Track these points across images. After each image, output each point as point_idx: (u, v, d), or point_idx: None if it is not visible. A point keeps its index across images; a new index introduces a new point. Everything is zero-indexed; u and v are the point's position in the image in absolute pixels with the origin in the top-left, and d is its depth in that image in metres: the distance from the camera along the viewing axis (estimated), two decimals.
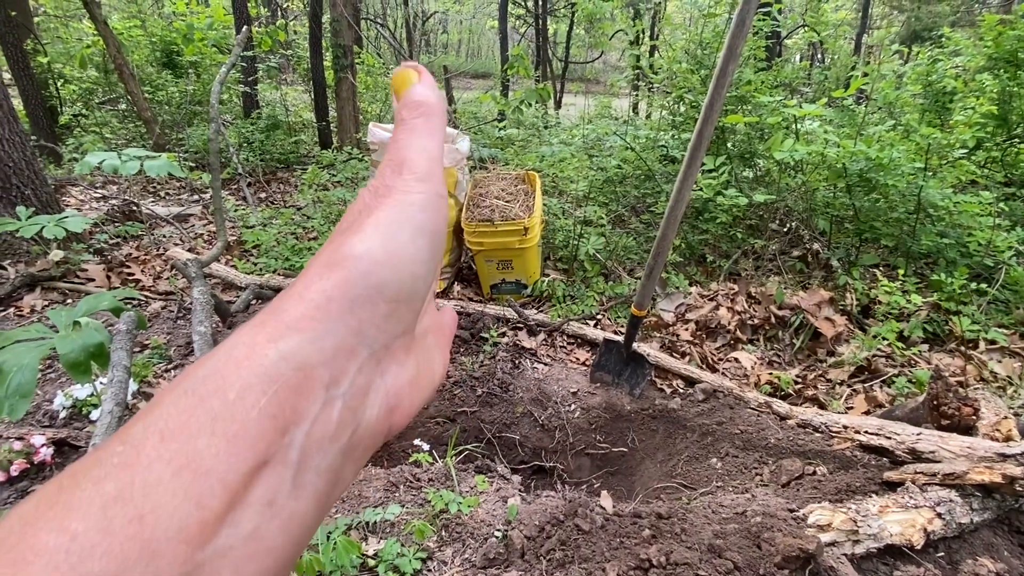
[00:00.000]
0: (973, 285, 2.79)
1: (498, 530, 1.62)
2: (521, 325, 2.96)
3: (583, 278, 3.37)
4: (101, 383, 2.16)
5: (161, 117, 6.15)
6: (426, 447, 2.11)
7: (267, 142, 6.12)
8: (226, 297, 3.23)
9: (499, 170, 4.28)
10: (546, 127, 6.89)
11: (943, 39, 4.69)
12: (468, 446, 2.22)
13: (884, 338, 2.61)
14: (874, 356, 2.59)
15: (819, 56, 13.25)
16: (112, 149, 3.77)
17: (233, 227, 4.19)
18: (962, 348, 2.61)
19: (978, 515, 1.63)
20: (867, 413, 2.31)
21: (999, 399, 2.18)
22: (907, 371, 2.51)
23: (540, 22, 10.72)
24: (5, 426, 2.08)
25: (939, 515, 1.59)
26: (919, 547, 1.54)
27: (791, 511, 1.62)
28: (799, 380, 2.59)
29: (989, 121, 3.84)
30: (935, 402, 1.95)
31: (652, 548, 1.47)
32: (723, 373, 2.66)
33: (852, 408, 2.38)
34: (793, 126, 3.64)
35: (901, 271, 2.93)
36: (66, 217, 2.50)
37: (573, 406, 2.51)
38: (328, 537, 1.47)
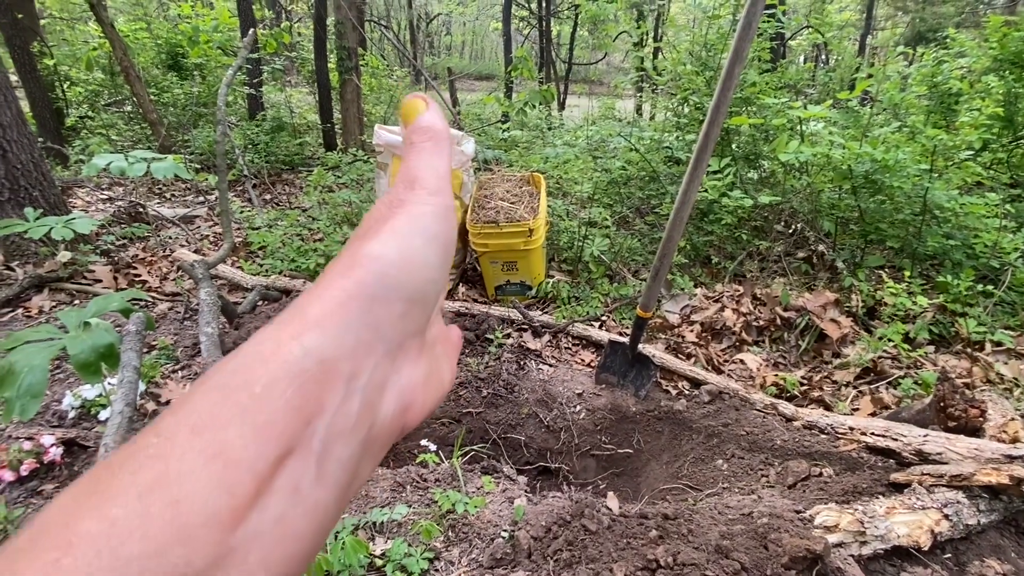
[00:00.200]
0: (979, 287, 2.78)
1: (505, 530, 1.63)
2: (526, 326, 2.96)
3: (588, 279, 3.38)
4: (110, 383, 2.18)
5: (167, 119, 6.18)
6: (433, 448, 2.12)
7: (272, 144, 6.14)
8: (232, 298, 3.24)
9: (504, 172, 4.29)
10: (550, 129, 6.89)
11: (948, 40, 4.68)
12: (474, 447, 2.23)
13: (890, 340, 2.60)
14: (880, 358, 2.59)
15: (823, 57, 13.23)
16: (118, 151, 3.80)
17: (239, 229, 4.21)
18: (968, 350, 2.60)
19: (985, 517, 1.63)
20: (873, 415, 2.30)
21: (1006, 401, 2.17)
22: (913, 373, 2.51)
23: (544, 24, 10.73)
24: (15, 426, 2.09)
25: (946, 516, 1.59)
26: (926, 548, 1.54)
27: (798, 512, 1.62)
28: (805, 382, 2.58)
29: (995, 122, 3.83)
30: (942, 404, 1.94)
31: (659, 549, 1.47)
32: (728, 374, 2.66)
33: (858, 410, 2.38)
34: (798, 127, 3.64)
35: (907, 272, 2.92)
36: (73, 219, 2.51)
37: (578, 407, 2.51)
38: (336, 537, 1.48)
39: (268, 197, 5.32)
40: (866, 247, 3.38)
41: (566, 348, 2.90)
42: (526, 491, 1.91)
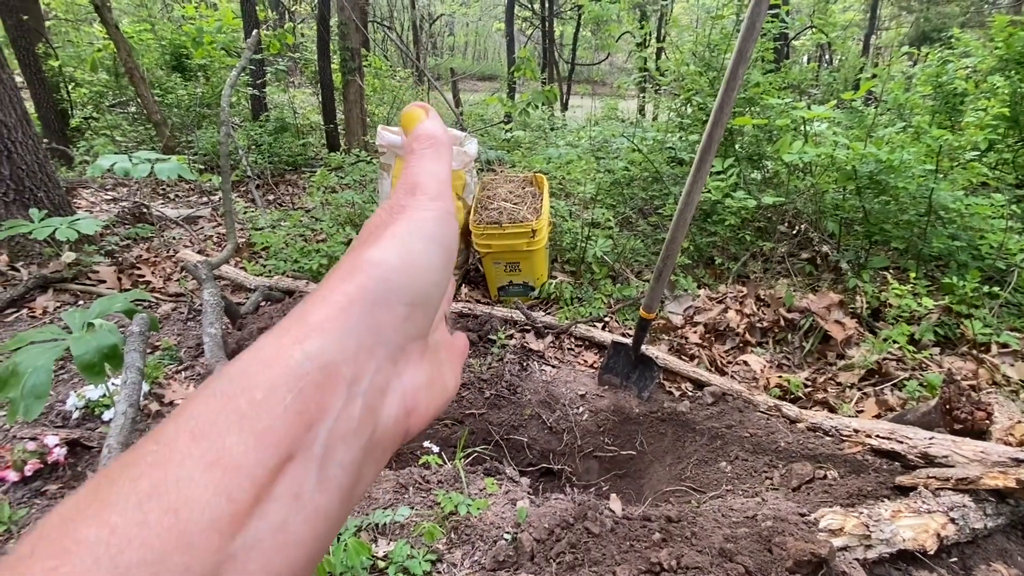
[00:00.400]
0: (985, 288, 2.76)
1: (507, 532, 1.62)
2: (529, 327, 2.96)
3: (591, 280, 3.37)
4: (113, 384, 2.18)
5: (171, 120, 6.20)
6: (435, 449, 2.12)
7: (275, 144, 6.16)
8: (236, 299, 3.25)
9: (506, 172, 4.29)
10: (553, 129, 6.89)
11: (953, 40, 4.66)
12: (477, 448, 2.22)
13: (895, 341, 2.59)
14: (885, 359, 2.57)
15: (827, 58, 13.19)
16: (123, 152, 3.81)
17: (242, 229, 4.22)
18: (974, 352, 2.59)
19: (992, 520, 1.62)
20: (878, 417, 2.29)
21: (1012, 403, 2.16)
22: (918, 375, 2.49)
23: (546, 24, 10.73)
24: (19, 426, 2.10)
25: (952, 520, 1.58)
26: (932, 552, 1.53)
27: (802, 515, 1.61)
28: (809, 383, 2.57)
29: (1001, 123, 3.81)
30: (948, 406, 1.93)
31: (662, 552, 1.46)
32: (732, 376, 2.65)
33: (862, 412, 2.37)
34: (802, 128, 3.63)
35: (912, 274, 2.91)
36: (78, 219, 2.52)
37: (581, 408, 2.50)
38: (339, 538, 1.47)
39: (271, 198, 5.33)
40: (870, 248, 3.36)
41: (569, 349, 2.90)
42: (529, 493, 1.91)
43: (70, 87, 6.45)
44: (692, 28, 5.35)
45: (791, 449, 2.08)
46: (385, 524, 1.63)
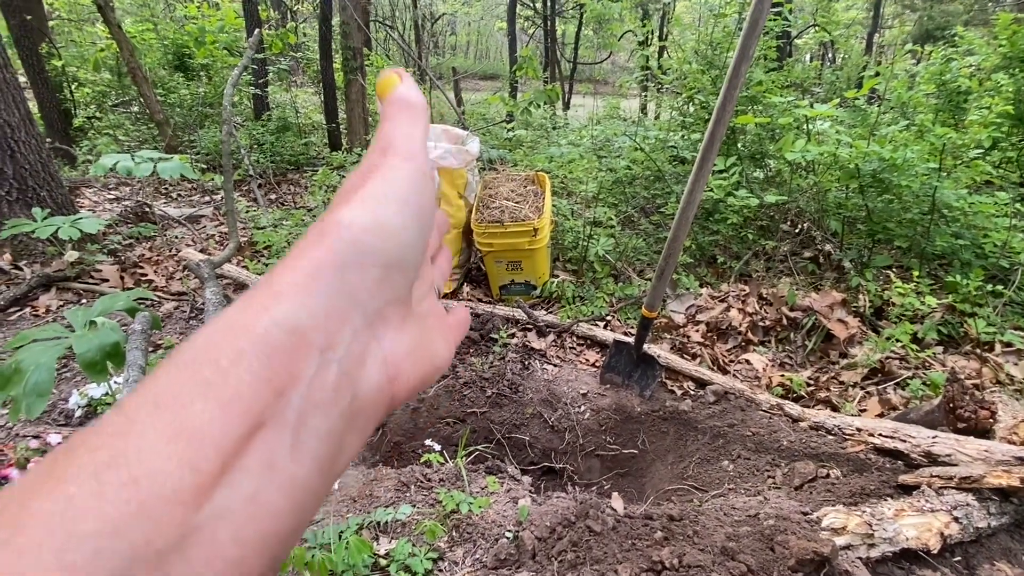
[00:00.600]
0: (989, 287, 2.75)
1: (509, 531, 1.62)
2: (531, 326, 2.96)
3: (592, 279, 3.37)
4: (116, 382, 2.19)
5: (173, 119, 6.21)
6: (437, 447, 2.12)
7: (277, 144, 6.16)
8: (238, 297, 3.25)
9: (508, 171, 4.28)
10: (555, 128, 6.88)
11: (956, 38, 4.64)
12: (478, 447, 2.22)
13: (898, 340, 2.58)
14: (887, 358, 2.57)
15: (830, 56, 13.16)
16: (125, 151, 3.81)
17: (244, 228, 4.23)
18: (978, 350, 2.58)
19: (996, 519, 1.61)
20: (881, 416, 2.28)
21: (1016, 402, 2.15)
22: (921, 373, 2.48)
23: (548, 23, 10.72)
24: (22, 424, 2.11)
25: (956, 519, 1.57)
26: (936, 551, 1.52)
27: (805, 514, 1.60)
28: (811, 382, 2.56)
29: (1005, 121, 3.79)
30: (951, 405, 1.92)
31: (664, 550, 1.46)
32: (734, 375, 2.64)
33: (865, 411, 2.36)
34: (804, 126, 3.61)
35: (915, 272, 2.90)
36: (81, 218, 2.53)
37: (583, 407, 2.50)
38: (340, 536, 1.48)
39: (273, 197, 5.34)
40: (873, 247, 3.35)
41: (571, 348, 2.90)
42: (530, 491, 1.91)
43: (73, 87, 6.46)
44: (694, 26, 5.34)
45: (793, 448, 2.08)
46: (387, 522, 1.63)
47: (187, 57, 7.07)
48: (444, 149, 3.09)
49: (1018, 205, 3.16)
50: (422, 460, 1.97)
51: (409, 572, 1.48)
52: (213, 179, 4.95)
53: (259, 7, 6.68)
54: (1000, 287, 2.77)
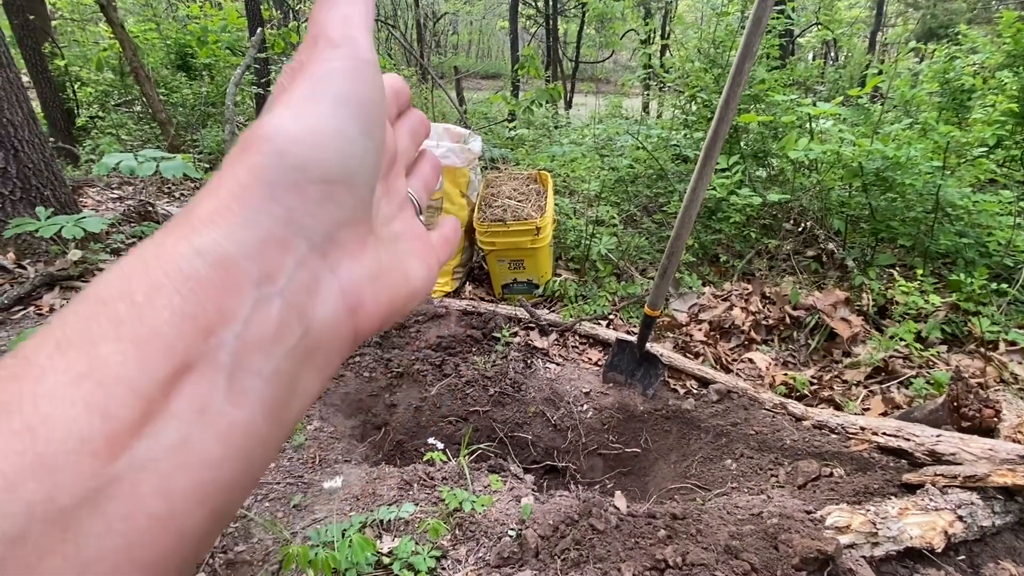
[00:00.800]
0: (993, 285, 2.74)
1: (512, 529, 1.62)
2: (533, 325, 2.95)
3: (595, 278, 3.36)
4: None
5: (176, 119, 6.22)
6: (440, 446, 2.12)
7: None
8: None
9: (511, 170, 4.29)
10: (557, 127, 6.88)
11: (960, 36, 4.62)
12: (481, 445, 2.22)
13: (901, 339, 2.57)
14: (891, 357, 2.56)
15: (833, 54, 13.12)
16: (128, 150, 3.82)
17: None
18: (982, 349, 2.57)
19: (1000, 518, 1.60)
20: (884, 414, 2.28)
21: (1020, 401, 2.14)
22: (925, 372, 2.48)
23: (550, 22, 10.71)
24: None
25: (960, 518, 1.57)
26: (940, 550, 1.52)
27: (808, 513, 1.60)
28: (814, 381, 2.56)
29: (1008, 119, 3.78)
30: (955, 404, 1.92)
31: (668, 549, 1.46)
32: (737, 374, 2.64)
33: (869, 409, 2.35)
34: (807, 125, 3.61)
35: (919, 271, 2.89)
36: (84, 217, 2.54)
37: (585, 406, 2.50)
38: (343, 535, 1.48)
39: None
40: (877, 245, 3.34)
41: (573, 347, 2.89)
42: (533, 490, 1.91)
43: (76, 86, 6.48)
44: (697, 25, 5.33)
45: (797, 447, 2.07)
46: (390, 520, 1.63)
47: (190, 56, 7.08)
48: (447, 148, 3.09)
49: (1022, 203, 3.15)
50: (425, 459, 1.97)
51: (412, 570, 1.48)
52: None
53: (261, 6, 6.68)
54: (1004, 285, 2.76)
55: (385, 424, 2.41)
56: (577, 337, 2.94)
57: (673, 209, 3.87)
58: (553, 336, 2.92)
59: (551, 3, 10.58)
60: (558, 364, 2.74)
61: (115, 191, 4.92)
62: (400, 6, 15.63)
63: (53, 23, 6.66)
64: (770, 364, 2.68)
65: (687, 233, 2.15)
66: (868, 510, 1.58)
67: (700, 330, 2.90)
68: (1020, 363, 2.47)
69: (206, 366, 0.18)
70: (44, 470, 0.15)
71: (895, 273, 3.04)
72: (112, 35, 5.81)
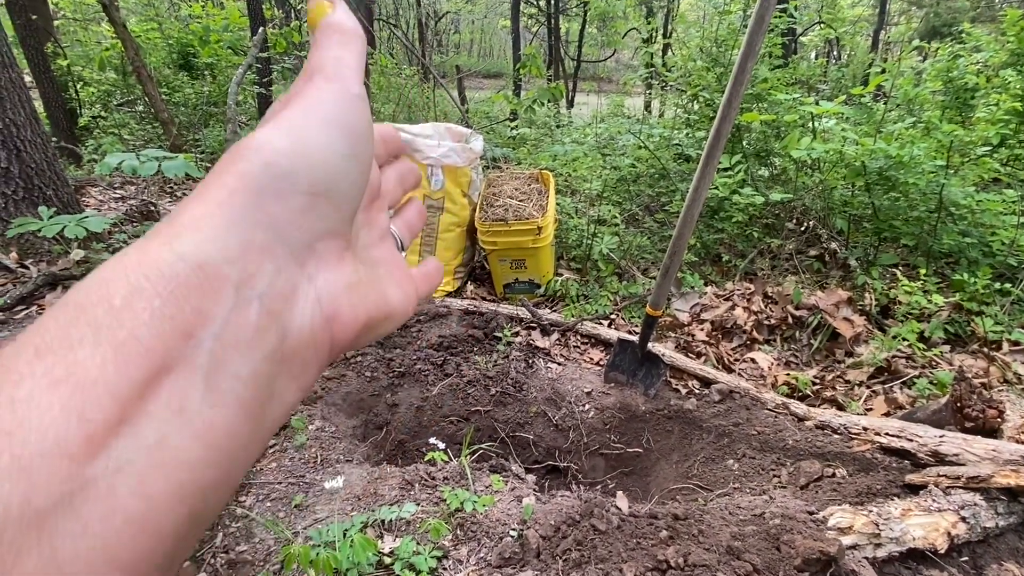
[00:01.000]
0: (996, 285, 2.73)
1: (513, 529, 1.62)
2: (534, 325, 2.95)
3: (597, 278, 3.36)
4: None
5: (178, 118, 6.23)
6: (441, 446, 2.12)
7: None
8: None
9: (512, 169, 4.28)
10: (558, 126, 6.87)
11: (963, 35, 4.60)
12: (482, 445, 2.22)
13: (904, 339, 2.57)
14: (894, 357, 2.55)
15: (836, 53, 13.08)
16: (130, 150, 3.83)
17: None
18: (985, 349, 2.56)
19: (1004, 519, 1.60)
20: (887, 415, 2.27)
21: None
22: (928, 372, 2.47)
23: (552, 21, 10.71)
24: None
25: (963, 519, 1.56)
26: (943, 551, 1.51)
27: (810, 513, 1.59)
28: (817, 381, 2.55)
29: (1012, 118, 3.76)
30: (959, 404, 1.91)
31: (669, 549, 1.46)
32: (739, 373, 2.63)
33: (871, 410, 2.34)
34: (810, 124, 3.60)
35: (922, 270, 2.88)
36: (86, 217, 2.54)
37: (587, 406, 2.50)
38: (344, 535, 1.48)
39: None
40: (880, 245, 3.33)
41: (575, 346, 2.89)
42: (535, 490, 1.91)
43: (78, 86, 6.49)
44: (699, 24, 5.32)
45: (799, 447, 2.07)
46: (391, 520, 1.63)
47: (192, 56, 7.09)
48: (448, 147, 3.09)
49: None
50: (426, 459, 1.97)
51: (413, 570, 1.48)
52: None
53: (263, 6, 6.69)
54: (1008, 285, 2.75)
55: (387, 424, 2.41)
56: (579, 337, 2.94)
57: (675, 208, 3.86)
58: (555, 336, 2.92)
59: (553, 2, 10.58)
60: (560, 364, 2.74)
61: (117, 191, 4.93)
62: (402, 5, 15.63)
63: (56, 23, 6.68)
64: (772, 364, 2.67)
65: (689, 232, 2.15)
66: (871, 511, 1.58)
67: (702, 330, 2.89)
68: None
69: (184, 367, 0.19)
70: (20, 472, 0.15)
71: (898, 273, 3.03)
72: (114, 35, 5.82)
